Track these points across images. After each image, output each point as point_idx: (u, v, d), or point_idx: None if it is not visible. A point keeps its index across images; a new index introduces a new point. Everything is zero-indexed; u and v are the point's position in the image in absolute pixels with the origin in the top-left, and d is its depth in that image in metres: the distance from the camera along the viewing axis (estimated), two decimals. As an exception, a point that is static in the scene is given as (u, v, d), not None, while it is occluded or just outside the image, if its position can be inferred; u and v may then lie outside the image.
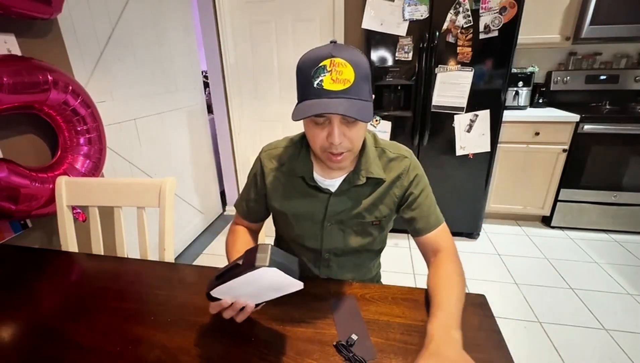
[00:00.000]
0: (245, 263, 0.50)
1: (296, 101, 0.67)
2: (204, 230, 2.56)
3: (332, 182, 0.76)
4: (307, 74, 0.60)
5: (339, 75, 0.58)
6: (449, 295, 0.63)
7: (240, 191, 0.94)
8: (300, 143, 0.79)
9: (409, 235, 0.96)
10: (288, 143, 0.81)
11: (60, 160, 1.21)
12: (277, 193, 0.80)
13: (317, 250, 0.80)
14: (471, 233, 2.30)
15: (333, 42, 0.63)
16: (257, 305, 0.59)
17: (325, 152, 0.67)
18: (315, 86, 0.59)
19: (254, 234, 0.92)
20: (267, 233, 0.97)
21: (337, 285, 0.73)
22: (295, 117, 0.61)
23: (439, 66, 1.92)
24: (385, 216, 0.78)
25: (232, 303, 0.56)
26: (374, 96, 0.67)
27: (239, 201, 0.89)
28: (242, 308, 0.57)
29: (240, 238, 0.85)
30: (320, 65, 0.59)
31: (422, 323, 0.61)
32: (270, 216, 0.90)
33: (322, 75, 0.59)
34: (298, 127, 0.72)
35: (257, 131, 2.61)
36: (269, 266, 0.47)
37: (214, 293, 0.55)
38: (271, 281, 0.51)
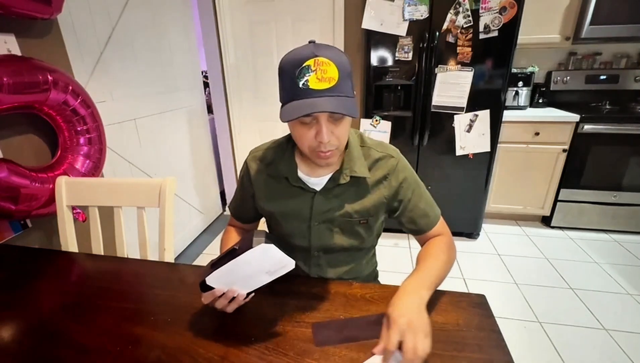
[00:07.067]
0: (242, 247, 0.54)
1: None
2: (203, 229, 2.56)
3: (318, 181, 0.76)
4: (291, 75, 0.61)
5: (323, 73, 0.59)
6: (432, 263, 0.69)
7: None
8: (286, 144, 0.80)
9: (409, 235, 0.95)
10: (272, 144, 0.83)
11: (60, 160, 1.21)
12: (263, 193, 0.82)
13: (307, 248, 0.81)
14: (471, 233, 2.29)
15: (312, 42, 0.63)
16: (247, 295, 0.61)
17: (314, 151, 0.67)
18: (301, 86, 0.60)
19: None
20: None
21: (336, 284, 0.73)
22: (285, 118, 0.61)
23: (439, 66, 1.92)
24: (372, 215, 0.78)
25: (224, 292, 0.59)
26: (356, 92, 0.68)
27: (231, 202, 0.92)
28: (233, 299, 0.61)
29: (234, 237, 0.88)
30: (304, 65, 0.59)
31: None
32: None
33: (307, 75, 0.59)
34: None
35: (257, 131, 2.61)
36: (266, 243, 0.51)
37: (209, 280, 0.57)
38: (266, 262, 0.55)
